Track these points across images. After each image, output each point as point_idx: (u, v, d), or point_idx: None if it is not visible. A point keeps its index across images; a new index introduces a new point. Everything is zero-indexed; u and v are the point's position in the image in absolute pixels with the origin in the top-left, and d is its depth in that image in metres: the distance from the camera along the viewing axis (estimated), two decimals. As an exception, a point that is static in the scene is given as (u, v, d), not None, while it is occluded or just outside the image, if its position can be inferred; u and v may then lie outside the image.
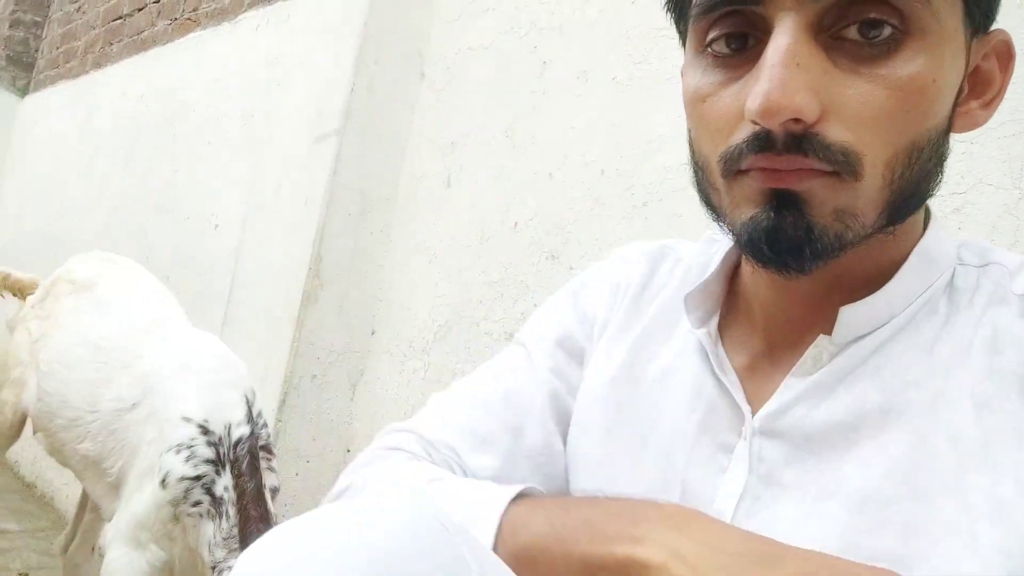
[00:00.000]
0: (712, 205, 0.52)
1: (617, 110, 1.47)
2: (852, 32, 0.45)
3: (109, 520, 1.30)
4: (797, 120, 0.44)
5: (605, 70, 1.52)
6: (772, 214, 0.47)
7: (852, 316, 0.50)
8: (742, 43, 0.48)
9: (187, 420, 1.17)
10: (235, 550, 1.08)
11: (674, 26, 0.56)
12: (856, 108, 0.45)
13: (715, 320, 0.58)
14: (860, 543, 0.46)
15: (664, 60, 1.42)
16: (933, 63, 0.46)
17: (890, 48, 0.45)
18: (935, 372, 0.49)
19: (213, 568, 1.08)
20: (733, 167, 0.48)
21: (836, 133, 0.45)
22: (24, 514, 2.97)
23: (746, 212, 0.48)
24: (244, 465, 1.14)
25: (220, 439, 1.16)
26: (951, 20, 0.46)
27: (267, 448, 1.21)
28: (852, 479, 0.48)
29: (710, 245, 0.64)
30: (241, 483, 1.13)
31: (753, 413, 0.53)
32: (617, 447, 0.59)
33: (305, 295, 1.81)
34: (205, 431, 1.16)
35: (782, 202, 0.46)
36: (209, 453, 1.14)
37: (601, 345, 0.64)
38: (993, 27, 0.50)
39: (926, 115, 0.46)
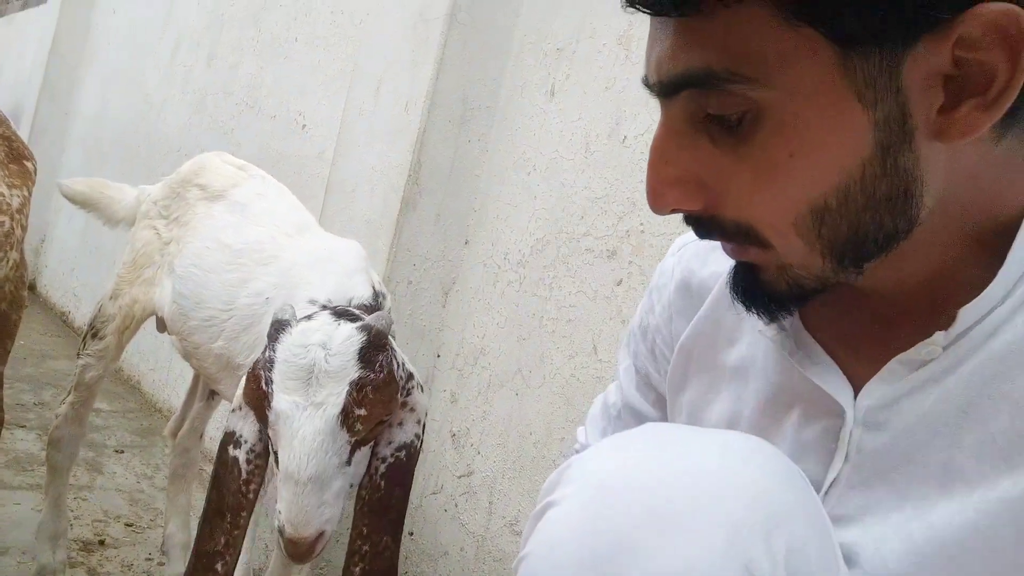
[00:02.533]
0: None
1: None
2: (714, 117, 0.46)
3: None
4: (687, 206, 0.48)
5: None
6: (739, 276, 0.53)
7: (971, 313, 0.48)
8: None
9: (312, 302, 1.19)
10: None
11: None
12: (736, 187, 0.47)
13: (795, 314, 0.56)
14: (944, 519, 0.47)
15: None
16: (785, 140, 0.44)
17: (749, 128, 0.45)
18: None
19: None
20: None
21: (730, 212, 0.48)
22: (114, 396, 3.15)
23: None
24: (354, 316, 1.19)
25: (343, 311, 1.18)
26: (806, 79, 0.43)
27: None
28: (961, 468, 0.47)
29: None
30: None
31: (855, 393, 0.52)
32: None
33: (404, 202, 1.81)
34: (325, 308, 1.18)
35: (740, 267, 0.52)
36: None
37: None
38: (985, 4, 0.41)
39: (805, 184, 0.45)
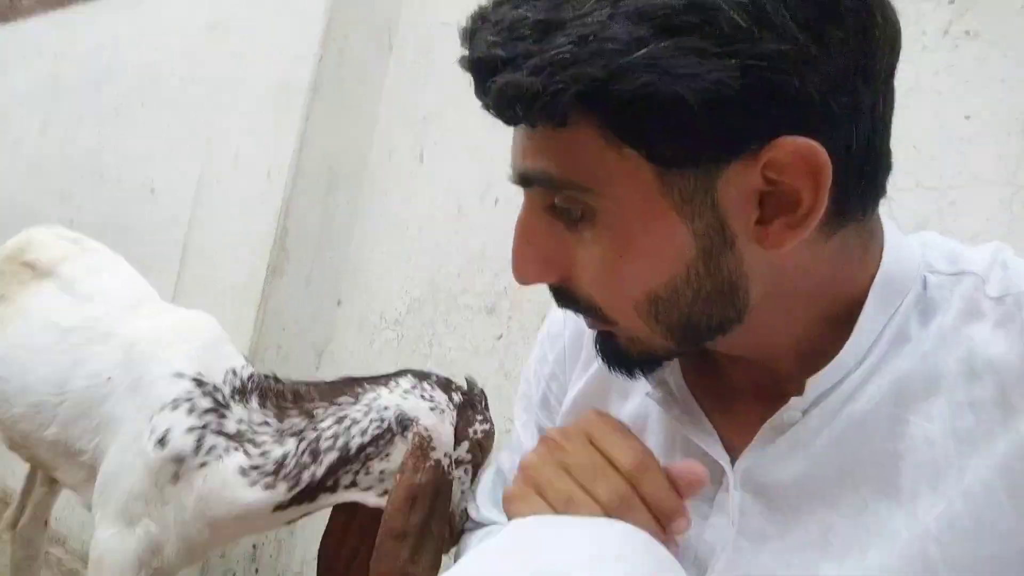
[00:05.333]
0: None
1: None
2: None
3: (89, 507, 1.24)
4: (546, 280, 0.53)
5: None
6: (596, 338, 0.57)
7: (816, 383, 0.51)
8: None
9: (180, 376, 1.12)
10: (277, 442, 1.06)
11: None
12: (583, 269, 0.52)
13: (677, 371, 0.59)
14: None
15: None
16: (613, 243, 0.49)
17: (586, 226, 0.50)
18: (914, 411, 0.50)
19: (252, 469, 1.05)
20: None
21: (581, 289, 0.53)
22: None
23: None
24: (267, 384, 1.12)
25: (216, 387, 1.11)
26: (631, 190, 0.47)
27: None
28: (838, 532, 0.50)
29: None
30: (268, 395, 1.10)
31: (733, 460, 0.55)
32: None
33: (270, 268, 1.78)
34: (200, 383, 1.11)
35: (600, 335, 0.57)
36: (208, 403, 1.10)
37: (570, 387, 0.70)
38: (790, 137, 0.45)
39: (636, 279, 0.50)
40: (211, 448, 1.07)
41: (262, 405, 1.10)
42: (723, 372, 0.59)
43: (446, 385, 1.08)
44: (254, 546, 1.75)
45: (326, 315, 1.88)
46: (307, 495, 1.05)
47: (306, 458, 1.04)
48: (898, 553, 0.48)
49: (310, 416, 1.07)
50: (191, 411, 1.09)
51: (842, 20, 0.44)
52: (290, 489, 1.04)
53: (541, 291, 1.56)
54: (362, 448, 1.03)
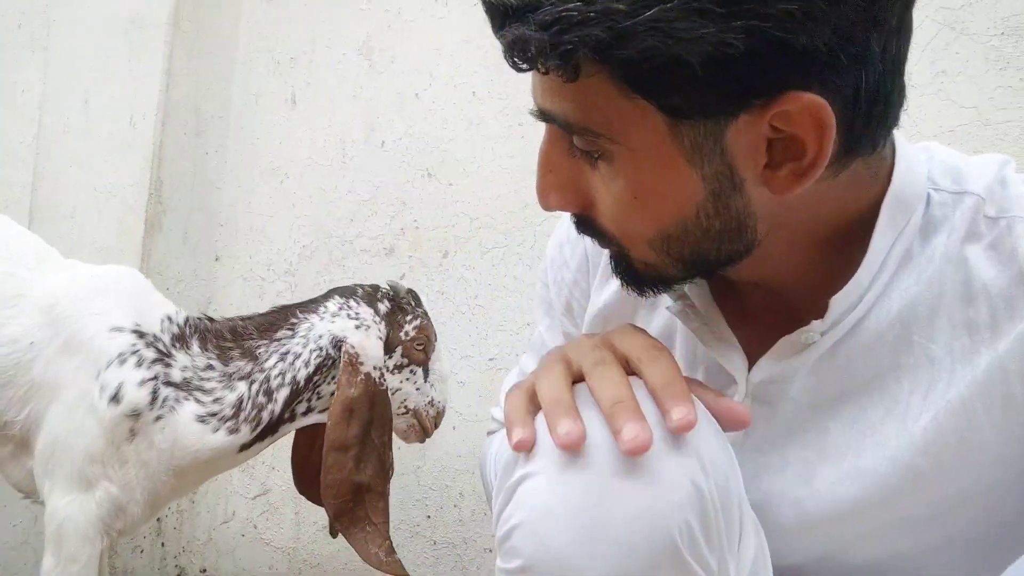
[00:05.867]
0: None
1: (485, 34, 1.57)
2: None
3: (18, 488, 1.19)
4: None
5: (466, -6, 1.61)
6: (611, 259, 0.59)
7: (838, 303, 0.54)
8: None
9: (118, 329, 1.08)
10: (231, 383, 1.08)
11: None
12: (602, 203, 0.54)
13: (705, 286, 0.62)
14: (827, 490, 0.55)
15: (527, -10, 1.55)
16: (627, 183, 0.51)
17: (604, 167, 0.52)
18: (918, 331, 0.53)
19: (210, 416, 1.07)
20: None
21: (601, 220, 0.55)
22: None
23: None
24: (204, 326, 1.12)
25: (156, 337, 1.10)
26: (642, 136, 0.49)
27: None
28: (834, 438, 0.55)
29: None
30: (207, 338, 1.11)
31: (750, 366, 0.58)
32: None
33: (148, 223, 1.70)
34: (141, 335, 1.09)
35: (614, 257, 0.59)
36: (153, 354, 1.08)
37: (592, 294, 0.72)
38: (796, 92, 0.46)
39: (648, 217, 0.52)
40: (164, 399, 1.07)
41: (203, 349, 1.10)
42: (743, 295, 0.61)
43: (371, 297, 1.14)
44: (158, 519, 1.73)
45: (205, 272, 1.83)
46: (269, 430, 1.09)
47: (261, 398, 1.08)
48: (889, 458, 0.53)
49: (253, 357, 1.10)
50: (139, 363, 1.07)
51: None
52: (253, 429, 1.08)
53: (440, 230, 1.62)
54: (309, 378, 1.09)
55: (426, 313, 1.16)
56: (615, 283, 0.66)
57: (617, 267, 0.58)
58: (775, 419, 0.58)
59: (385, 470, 1.10)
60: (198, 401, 1.08)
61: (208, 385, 1.09)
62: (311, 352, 1.09)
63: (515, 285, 1.49)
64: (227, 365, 1.11)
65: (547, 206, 0.55)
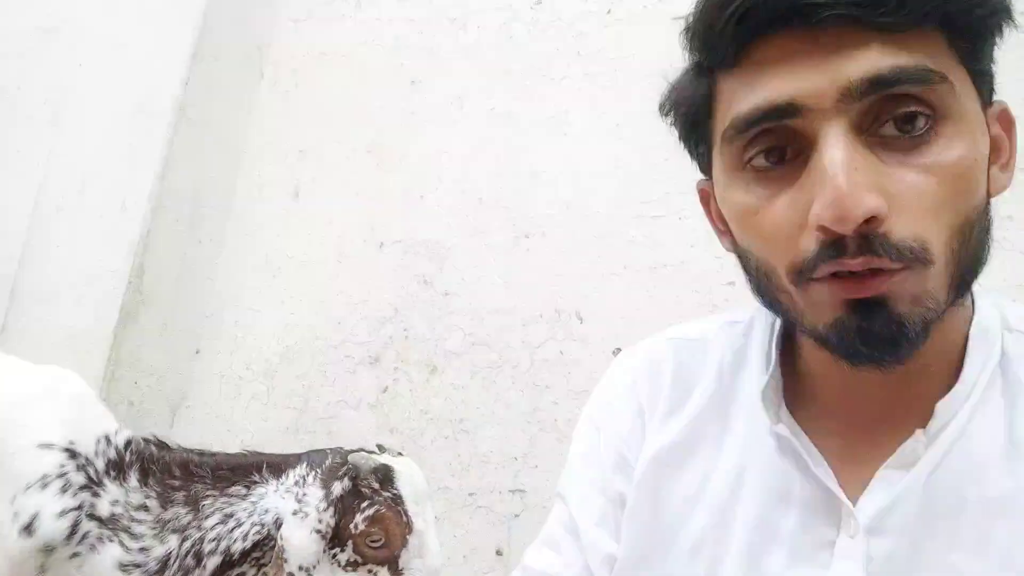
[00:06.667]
0: (782, 307, 0.53)
1: (497, 141, 1.49)
2: (890, 129, 0.47)
3: None
4: (868, 221, 0.46)
5: (482, 100, 1.54)
6: (858, 318, 0.48)
7: (944, 408, 0.51)
8: (781, 155, 0.49)
9: (47, 446, 0.95)
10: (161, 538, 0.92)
11: (688, 148, 0.58)
12: (915, 200, 0.47)
13: (785, 412, 0.57)
14: None
15: (545, 99, 1.48)
16: (969, 144, 0.48)
17: (930, 137, 0.47)
18: (1022, 455, 0.51)
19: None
20: (806, 276, 0.49)
21: (902, 228, 0.47)
22: None
23: (828, 316, 0.49)
24: (150, 454, 0.97)
25: (89, 460, 0.96)
26: (971, 102, 0.49)
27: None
28: (961, 570, 0.50)
29: (732, 328, 0.64)
30: (151, 470, 0.95)
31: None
32: (668, 547, 0.59)
33: (123, 312, 1.59)
34: (73, 454, 0.95)
35: (866, 306, 0.48)
36: (82, 479, 0.94)
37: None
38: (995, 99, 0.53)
39: (973, 192, 0.49)
40: (85, 535, 0.92)
41: (143, 483, 0.95)
42: (827, 406, 0.57)
43: (331, 473, 0.96)
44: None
45: (182, 366, 1.70)
46: None
47: (190, 560, 0.91)
48: None
49: (196, 507, 0.94)
50: (64, 489, 0.93)
51: None
52: None
53: (429, 342, 1.48)
54: (245, 553, 0.93)
55: (393, 499, 0.96)
56: (682, 417, 0.62)
57: (867, 325, 0.48)
58: (896, 553, 0.52)
59: None
60: (123, 545, 0.93)
61: (137, 529, 0.94)
62: (252, 525, 0.93)
63: (505, 413, 1.34)
64: (165, 509, 0.95)
65: (861, 212, 0.46)
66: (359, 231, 1.61)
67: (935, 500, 0.51)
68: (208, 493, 0.94)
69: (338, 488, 0.94)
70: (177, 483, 0.96)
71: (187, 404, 1.71)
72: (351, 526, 0.93)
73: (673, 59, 0.56)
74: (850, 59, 0.46)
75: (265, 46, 1.84)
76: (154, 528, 0.93)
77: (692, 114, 0.55)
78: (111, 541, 0.92)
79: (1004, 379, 0.53)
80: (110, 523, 0.93)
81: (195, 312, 1.73)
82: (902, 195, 0.47)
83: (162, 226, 1.66)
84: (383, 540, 0.94)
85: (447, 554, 1.32)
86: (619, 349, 1.27)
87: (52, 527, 0.91)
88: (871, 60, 0.46)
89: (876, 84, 0.46)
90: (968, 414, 0.52)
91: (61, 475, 0.93)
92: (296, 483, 0.95)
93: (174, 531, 0.93)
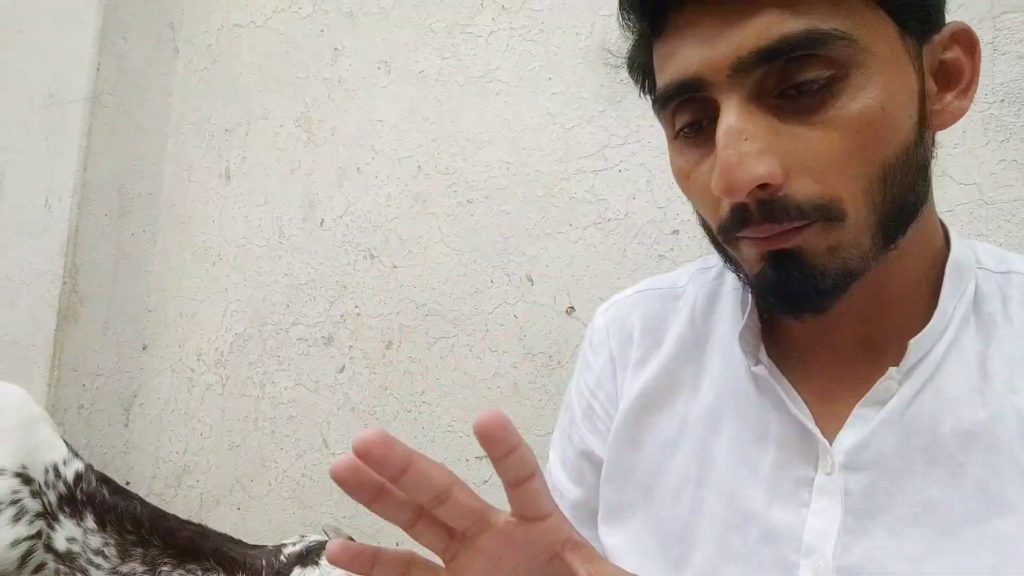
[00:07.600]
0: (728, 257, 0.55)
1: (429, 105, 1.45)
2: (790, 91, 0.47)
3: None
4: (764, 186, 0.47)
5: (409, 63, 1.49)
6: (774, 270, 0.50)
7: (917, 345, 0.52)
8: (700, 125, 0.51)
9: None
10: None
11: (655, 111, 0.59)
12: (816, 157, 0.47)
13: (764, 354, 0.57)
14: (957, 564, 0.49)
15: (474, 57, 1.44)
16: (877, 92, 0.47)
17: (831, 92, 0.47)
18: (996, 389, 0.52)
19: None
20: (729, 236, 0.51)
21: (803, 188, 0.47)
22: None
23: (754, 268, 0.51)
24: (102, 497, 0.95)
25: (41, 487, 0.94)
26: (883, 44, 0.48)
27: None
28: (938, 502, 0.50)
29: (704, 274, 0.65)
30: (107, 517, 0.93)
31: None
32: (649, 491, 0.60)
33: (62, 314, 1.54)
34: (27, 480, 0.92)
35: (779, 259, 0.49)
36: (38, 506, 0.92)
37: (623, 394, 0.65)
38: (949, 21, 0.52)
39: (887, 140, 0.48)
40: (40, 567, 0.89)
41: (100, 527, 0.93)
42: (806, 350, 0.57)
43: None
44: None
45: (130, 363, 1.66)
46: None
47: None
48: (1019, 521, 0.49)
49: (154, 571, 0.91)
50: (18, 517, 0.91)
51: None
52: None
53: (381, 317, 1.47)
54: None
55: None
56: (655, 364, 0.63)
57: (779, 277, 0.50)
58: (872, 488, 0.52)
59: None
60: None
61: (95, 574, 0.91)
62: None
63: (465, 380, 1.33)
64: (123, 561, 0.93)
65: (752, 179, 0.47)
66: (298, 209, 1.57)
67: (911, 434, 0.52)
68: (166, 559, 0.92)
69: None
70: (133, 538, 0.94)
71: (140, 402, 1.67)
72: None
73: (599, 9, 0.55)
74: (744, 28, 0.47)
75: (176, 23, 1.75)
76: None
77: (644, 80, 0.57)
78: None
79: (977, 316, 0.54)
80: (67, 559, 0.91)
81: (137, 307, 1.68)
82: (802, 155, 0.47)
83: (90, 221, 1.59)
84: None
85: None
86: (572, 308, 1.27)
87: (2, 556, 0.88)
88: (760, 30, 0.47)
89: (764, 56, 0.47)
90: (943, 350, 0.53)
91: (15, 501, 0.91)
92: None
93: None
